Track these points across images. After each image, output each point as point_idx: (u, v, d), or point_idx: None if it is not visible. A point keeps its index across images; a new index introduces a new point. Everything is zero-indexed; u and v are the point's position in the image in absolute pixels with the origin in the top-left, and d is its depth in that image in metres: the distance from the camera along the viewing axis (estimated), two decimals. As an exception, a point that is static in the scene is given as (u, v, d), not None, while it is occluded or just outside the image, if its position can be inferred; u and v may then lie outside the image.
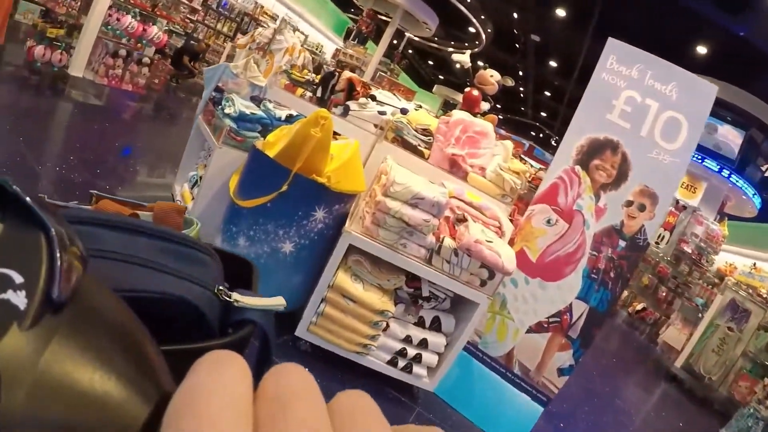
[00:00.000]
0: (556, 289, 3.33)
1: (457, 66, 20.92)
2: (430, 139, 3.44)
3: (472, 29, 16.11)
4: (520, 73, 18.51)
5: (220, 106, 3.30)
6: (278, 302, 0.49)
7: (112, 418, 0.21)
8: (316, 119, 2.43)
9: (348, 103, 3.74)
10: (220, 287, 0.48)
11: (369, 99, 3.76)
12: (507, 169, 3.28)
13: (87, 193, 1.15)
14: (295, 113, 3.30)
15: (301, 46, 4.91)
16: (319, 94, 3.98)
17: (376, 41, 15.23)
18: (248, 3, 15.05)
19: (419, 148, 3.41)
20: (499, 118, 3.82)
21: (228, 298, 0.47)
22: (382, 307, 2.64)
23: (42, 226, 0.23)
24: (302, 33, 15.53)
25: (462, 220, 2.75)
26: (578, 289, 3.33)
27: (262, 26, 4.86)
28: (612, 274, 3.35)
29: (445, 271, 2.67)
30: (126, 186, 4.28)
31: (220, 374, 0.22)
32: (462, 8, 14.57)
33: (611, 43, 3.43)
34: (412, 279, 2.78)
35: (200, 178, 3.40)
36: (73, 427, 0.20)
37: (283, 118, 3.23)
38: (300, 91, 4.06)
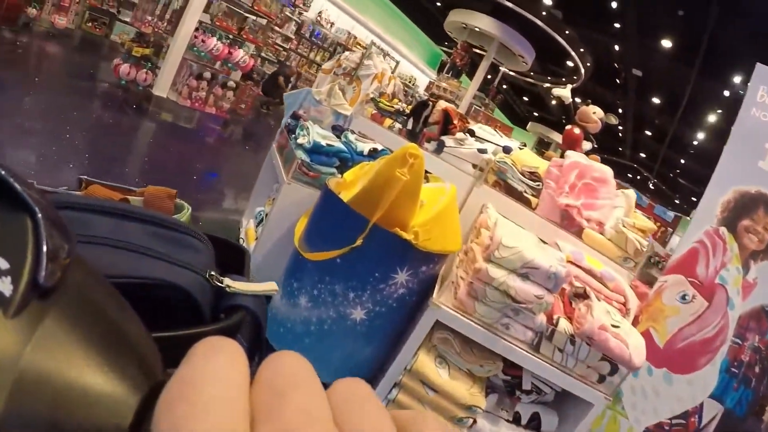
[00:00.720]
0: (685, 384, 2.65)
1: (554, 102, 20.16)
2: (538, 185, 2.86)
3: (570, 63, 15.32)
4: (620, 110, 17.48)
5: (293, 135, 2.87)
6: (270, 287, 0.56)
7: (103, 412, 0.21)
8: (403, 157, 1.91)
9: (443, 137, 3.23)
10: (212, 273, 0.52)
11: (467, 134, 3.23)
12: (631, 226, 2.65)
13: (76, 178, 1.05)
14: (380, 147, 2.81)
15: (392, 72, 4.48)
16: (409, 126, 3.48)
17: (470, 75, 14.80)
18: (341, 33, 15.03)
19: (525, 194, 2.84)
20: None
21: (220, 284, 0.51)
22: (471, 402, 2.06)
23: (28, 209, 0.22)
24: (392, 59, 15.36)
25: (582, 295, 2.15)
26: (713, 385, 2.64)
27: (350, 50, 4.45)
28: (757, 369, 2.65)
29: (555, 361, 2.05)
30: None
31: (215, 360, 0.21)
32: (561, 41, 13.89)
33: (761, 70, 2.77)
34: (511, 365, 2.19)
35: (266, 215, 2.97)
36: (61, 422, 0.19)
37: (365, 152, 2.74)
38: (388, 121, 3.59)
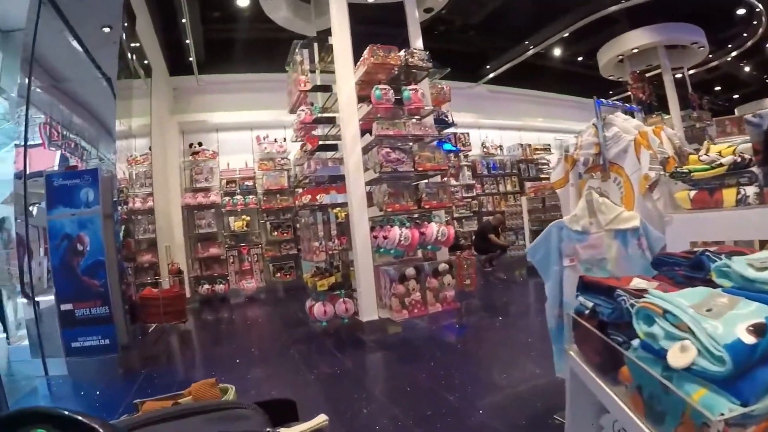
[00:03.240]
0: None
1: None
2: None
3: (741, 11, 12.07)
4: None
5: (628, 343, 1.25)
6: (319, 421, 0.70)
7: None
8: None
9: None
10: (267, 429, 0.65)
11: None
12: None
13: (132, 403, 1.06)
14: None
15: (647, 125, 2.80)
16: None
17: (662, 105, 12.49)
18: (514, 150, 13.71)
19: None
20: None
21: None
22: None
23: None
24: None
25: None
26: None
27: (575, 136, 2.79)
28: None
29: None
30: None
31: None
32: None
33: None
34: None
35: None
36: None
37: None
38: (729, 194, 1.84)
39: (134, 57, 7.11)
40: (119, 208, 5.46)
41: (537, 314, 5.45)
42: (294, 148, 8.82)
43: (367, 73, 5.52)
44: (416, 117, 5.58)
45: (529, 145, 13.99)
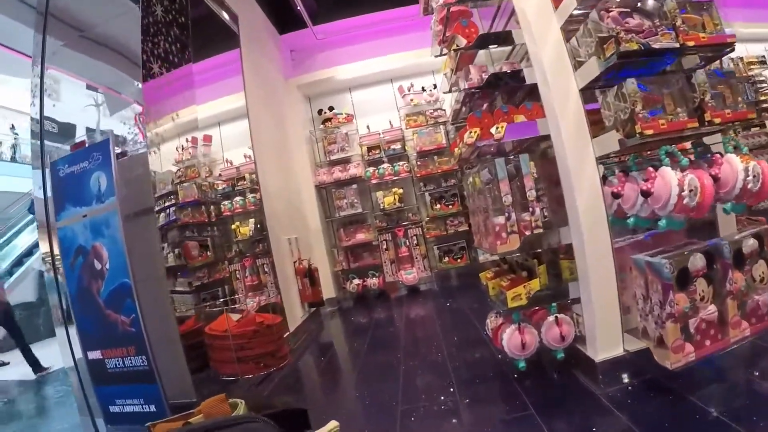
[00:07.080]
0: None
1: None
2: None
3: None
4: None
5: None
6: (331, 427, 0.72)
7: None
8: None
9: None
10: None
11: None
12: None
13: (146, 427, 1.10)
14: None
15: None
16: None
17: None
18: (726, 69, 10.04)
19: None
20: None
21: None
22: None
23: None
24: None
25: None
26: None
27: None
28: None
29: None
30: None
31: None
32: None
33: None
34: None
35: None
36: None
37: None
38: None
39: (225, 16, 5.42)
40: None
41: None
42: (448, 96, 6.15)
43: None
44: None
45: (741, 59, 10.21)
